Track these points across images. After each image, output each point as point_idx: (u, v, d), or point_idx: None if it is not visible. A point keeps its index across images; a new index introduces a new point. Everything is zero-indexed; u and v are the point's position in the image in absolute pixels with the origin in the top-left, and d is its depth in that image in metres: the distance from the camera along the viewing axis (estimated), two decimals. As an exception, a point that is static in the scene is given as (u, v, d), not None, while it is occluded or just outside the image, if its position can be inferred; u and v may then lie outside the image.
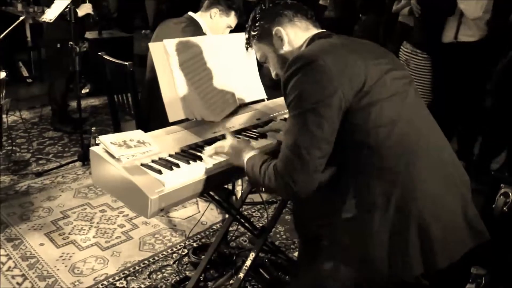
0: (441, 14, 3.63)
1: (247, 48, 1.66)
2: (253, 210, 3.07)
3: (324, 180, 1.36)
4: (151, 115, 2.64)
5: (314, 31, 1.52)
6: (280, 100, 2.30)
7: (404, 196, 1.29)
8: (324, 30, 1.53)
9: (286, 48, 1.51)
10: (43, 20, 3.27)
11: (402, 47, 3.88)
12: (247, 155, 1.50)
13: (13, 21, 5.55)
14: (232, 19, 2.69)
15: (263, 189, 1.54)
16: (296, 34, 1.51)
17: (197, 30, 2.61)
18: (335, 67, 1.29)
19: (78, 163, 3.57)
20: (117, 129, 2.91)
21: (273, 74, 1.60)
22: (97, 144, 1.58)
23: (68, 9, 3.27)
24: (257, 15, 1.56)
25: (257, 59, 1.67)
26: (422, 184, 1.30)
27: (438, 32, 3.67)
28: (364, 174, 1.32)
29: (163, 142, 1.66)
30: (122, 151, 1.50)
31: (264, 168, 1.39)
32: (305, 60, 1.31)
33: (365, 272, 1.33)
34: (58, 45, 3.54)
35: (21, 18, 3.30)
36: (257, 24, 1.56)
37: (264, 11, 1.55)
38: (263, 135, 1.87)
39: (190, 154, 1.64)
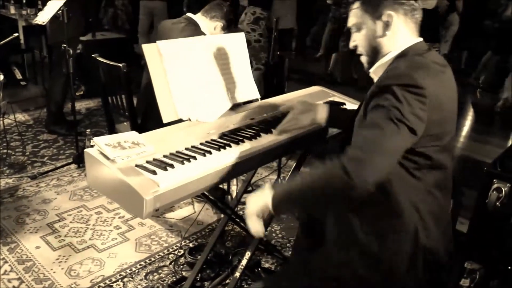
0: None
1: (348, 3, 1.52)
2: (248, 210, 3.07)
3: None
4: (148, 116, 2.65)
5: (415, 38, 1.45)
6: (273, 100, 2.31)
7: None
8: (422, 41, 1.45)
9: (386, 38, 1.43)
10: (36, 22, 3.27)
11: None
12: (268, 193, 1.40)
13: (6, 23, 5.55)
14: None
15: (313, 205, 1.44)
16: (402, 32, 1.42)
17: (196, 29, 2.63)
18: (434, 101, 1.28)
19: (73, 166, 3.57)
20: (112, 130, 2.91)
21: (351, 44, 1.53)
22: (92, 146, 1.59)
23: (61, 10, 3.26)
24: None
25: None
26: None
27: None
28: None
29: (157, 142, 1.66)
30: (117, 153, 1.50)
31: (309, 175, 1.35)
32: (411, 81, 1.27)
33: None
34: (63, 47, 3.55)
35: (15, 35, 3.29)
36: None
37: None
38: (263, 132, 1.89)
39: (184, 154, 1.64)
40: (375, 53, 1.47)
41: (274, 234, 2.80)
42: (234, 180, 2.71)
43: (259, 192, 1.44)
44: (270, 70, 4.59)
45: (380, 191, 1.33)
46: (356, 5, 1.47)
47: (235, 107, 2.13)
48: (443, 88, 1.35)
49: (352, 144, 1.31)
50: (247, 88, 2.23)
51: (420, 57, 1.39)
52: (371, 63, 1.50)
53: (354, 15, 1.48)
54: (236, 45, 2.22)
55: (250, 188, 2.49)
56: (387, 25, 1.41)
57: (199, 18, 2.72)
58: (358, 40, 1.50)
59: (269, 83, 4.42)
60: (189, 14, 2.74)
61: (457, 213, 2.52)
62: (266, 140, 1.85)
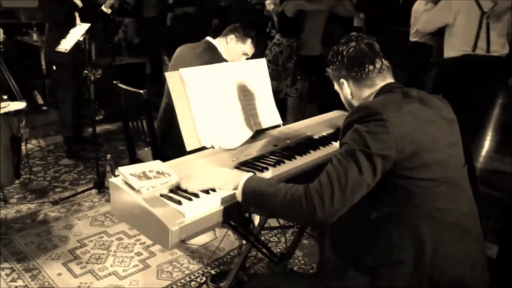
0: None
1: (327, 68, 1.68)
2: (270, 235, 3.04)
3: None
4: (167, 140, 2.65)
5: (381, 84, 1.55)
6: (296, 125, 2.30)
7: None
8: (393, 82, 1.56)
9: (354, 98, 1.59)
10: (59, 49, 3.32)
11: None
12: (244, 176, 1.50)
13: (29, 50, 5.68)
14: (248, 47, 2.72)
15: (266, 211, 1.51)
16: (361, 90, 1.57)
17: (214, 54, 2.63)
18: (395, 123, 1.33)
19: (94, 191, 3.58)
20: (133, 156, 2.92)
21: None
22: (115, 175, 1.58)
23: (83, 38, 3.32)
24: (334, 56, 1.60)
25: None
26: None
27: None
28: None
29: (181, 171, 1.65)
30: (142, 183, 1.49)
31: (285, 187, 1.40)
32: (369, 111, 1.37)
33: None
34: (54, 68, 3.69)
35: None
36: (332, 66, 1.62)
37: (339, 53, 1.58)
38: (286, 158, 1.87)
39: (209, 183, 1.63)
40: (351, 106, 1.62)
41: (296, 260, 2.75)
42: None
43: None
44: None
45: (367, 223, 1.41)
46: (329, 73, 1.66)
47: (258, 133, 2.12)
48: (412, 117, 1.38)
49: (320, 177, 1.36)
50: (270, 114, 2.22)
51: (387, 94, 1.50)
52: None
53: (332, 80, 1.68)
54: (257, 71, 2.23)
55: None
56: (347, 90, 1.60)
57: (217, 40, 2.75)
58: (343, 100, 1.67)
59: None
60: (208, 38, 2.77)
61: (485, 238, 2.46)
62: (289, 166, 1.83)
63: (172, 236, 1.36)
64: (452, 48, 3.63)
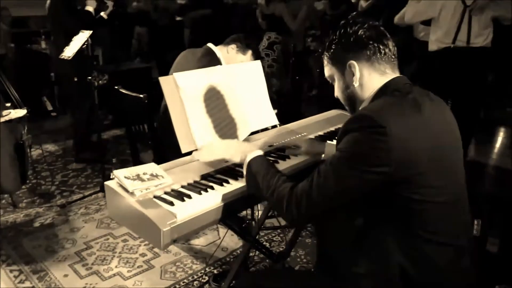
0: None
1: (321, 55, 1.53)
2: (273, 234, 3.07)
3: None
4: (167, 143, 2.70)
5: (390, 76, 1.41)
6: (292, 126, 2.33)
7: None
8: (401, 76, 1.43)
9: (355, 85, 1.43)
10: (62, 57, 3.39)
11: None
12: (252, 153, 1.57)
13: (37, 58, 5.78)
14: (247, 58, 2.76)
15: (259, 196, 1.54)
16: (370, 76, 1.41)
17: (213, 60, 2.67)
18: (398, 141, 1.23)
19: (100, 194, 3.64)
20: (136, 159, 2.97)
21: (335, 95, 1.55)
22: (112, 179, 1.63)
23: (85, 45, 3.39)
24: (337, 35, 1.44)
25: None
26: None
27: None
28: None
29: (176, 173, 1.70)
30: (136, 185, 1.54)
31: (277, 181, 1.44)
32: (372, 122, 1.25)
33: None
34: (76, 79, 3.72)
35: None
36: (333, 46, 1.45)
37: (346, 33, 1.42)
38: (281, 158, 1.91)
39: (202, 184, 1.67)
40: (352, 102, 1.48)
41: (298, 259, 2.77)
42: (259, 205, 2.71)
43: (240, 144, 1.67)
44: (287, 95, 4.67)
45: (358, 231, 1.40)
46: (325, 59, 1.50)
47: (254, 134, 2.16)
48: (418, 125, 1.29)
49: (305, 182, 1.36)
50: (266, 115, 2.25)
51: (395, 94, 1.36)
52: (353, 111, 1.51)
53: (326, 68, 1.52)
54: (253, 73, 2.26)
55: (274, 213, 2.49)
56: (353, 75, 1.42)
57: (218, 48, 2.78)
58: (337, 93, 1.53)
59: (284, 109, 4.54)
60: (209, 45, 2.80)
61: (487, 233, 2.45)
62: (284, 166, 1.86)
63: (164, 236, 1.40)
64: (434, 42, 3.68)
